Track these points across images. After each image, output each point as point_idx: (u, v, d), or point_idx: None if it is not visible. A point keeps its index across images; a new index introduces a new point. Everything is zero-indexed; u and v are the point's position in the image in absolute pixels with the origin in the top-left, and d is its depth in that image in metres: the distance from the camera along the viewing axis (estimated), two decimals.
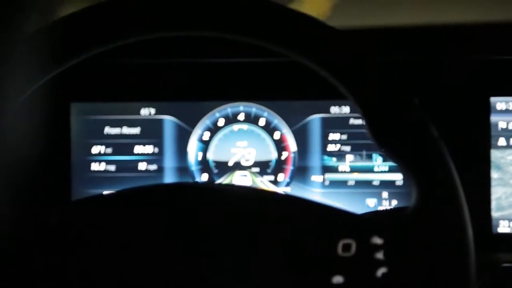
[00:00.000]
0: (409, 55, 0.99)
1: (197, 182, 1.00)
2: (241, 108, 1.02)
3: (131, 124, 1.03)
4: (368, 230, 0.52)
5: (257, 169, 1.02)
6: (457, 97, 0.97)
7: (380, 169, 1.01)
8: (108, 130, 1.03)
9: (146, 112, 1.03)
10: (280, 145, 1.02)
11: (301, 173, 1.02)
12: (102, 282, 0.53)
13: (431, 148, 0.52)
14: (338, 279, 0.52)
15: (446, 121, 0.93)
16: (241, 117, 1.03)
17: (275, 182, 1.02)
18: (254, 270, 0.52)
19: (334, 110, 1.01)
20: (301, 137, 1.02)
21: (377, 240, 0.52)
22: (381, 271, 0.51)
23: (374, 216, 0.55)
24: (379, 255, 0.51)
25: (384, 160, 1.01)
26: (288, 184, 1.02)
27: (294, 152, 1.02)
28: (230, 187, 0.74)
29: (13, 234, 0.53)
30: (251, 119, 1.03)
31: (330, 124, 1.02)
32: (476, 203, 0.61)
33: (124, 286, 0.52)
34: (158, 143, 1.03)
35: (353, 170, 1.01)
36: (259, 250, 0.53)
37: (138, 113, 1.03)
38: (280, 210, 0.54)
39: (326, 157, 1.02)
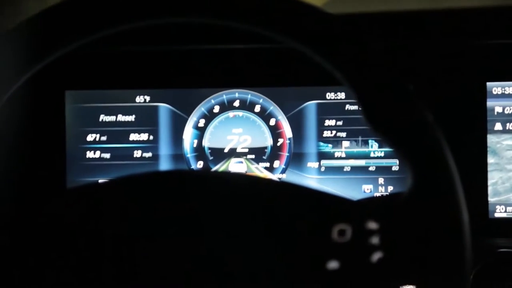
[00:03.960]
0: (406, 40, 0.99)
1: (192, 169, 1.00)
2: (237, 95, 1.02)
3: (126, 111, 1.02)
4: (364, 215, 0.52)
5: (252, 156, 1.02)
6: (454, 82, 0.97)
7: (376, 154, 1.01)
8: (103, 117, 1.02)
9: (141, 99, 1.02)
10: (275, 132, 1.02)
11: (296, 159, 1.02)
12: (98, 271, 0.52)
13: (426, 133, 0.52)
14: (333, 264, 0.51)
15: (442, 106, 0.93)
16: (236, 104, 1.02)
17: (270, 169, 1.02)
18: (248, 256, 0.52)
19: (330, 96, 1.01)
20: (297, 123, 1.02)
21: (373, 225, 0.51)
22: (376, 256, 0.51)
23: (370, 201, 0.55)
24: (375, 240, 0.51)
25: (380, 146, 1.01)
26: (283, 171, 1.02)
27: (289, 139, 1.02)
28: (225, 174, 0.74)
29: (8, 224, 0.53)
30: (247, 106, 1.02)
31: (326, 110, 1.01)
32: (472, 188, 0.61)
33: (121, 274, 0.52)
34: (153, 131, 1.03)
35: (349, 156, 1.01)
36: (253, 237, 0.53)
37: (133, 101, 1.02)
38: (275, 196, 0.54)
39: (321, 143, 1.01)
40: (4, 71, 0.54)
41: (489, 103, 0.98)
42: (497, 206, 0.98)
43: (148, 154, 1.02)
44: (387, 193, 1.01)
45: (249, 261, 0.52)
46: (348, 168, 1.01)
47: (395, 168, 1.01)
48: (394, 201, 0.53)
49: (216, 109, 1.02)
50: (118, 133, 1.03)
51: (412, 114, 0.53)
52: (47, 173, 1.01)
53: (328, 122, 1.01)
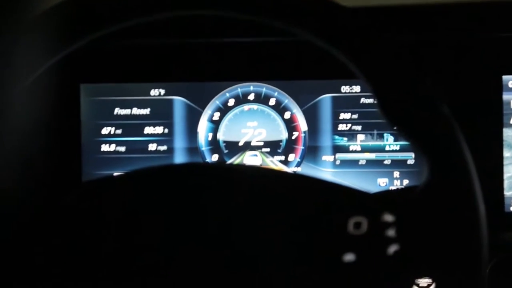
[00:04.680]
0: (421, 33, 0.98)
1: (207, 162, 1.00)
2: (251, 88, 1.02)
3: (141, 105, 1.03)
4: (379, 207, 0.52)
5: (267, 149, 1.02)
6: (470, 76, 0.97)
7: (392, 148, 1.01)
8: (118, 111, 1.03)
9: (156, 92, 1.02)
10: (290, 125, 1.02)
11: (311, 153, 1.02)
12: (113, 264, 0.53)
13: (442, 125, 0.52)
14: (349, 257, 0.51)
15: (458, 99, 0.92)
16: (251, 97, 1.02)
17: (285, 162, 1.02)
18: (264, 249, 0.52)
19: (345, 89, 1.01)
20: (312, 116, 1.02)
21: (388, 218, 0.51)
22: (392, 248, 0.51)
23: (385, 194, 0.55)
24: (391, 233, 0.51)
25: (395, 139, 1.00)
26: (298, 164, 1.02)
27: (304, 132, 1.02)
28: (240, 166, 0.74)
29: (24, 218, 0.54)
30: (261, 99, 1.02)
31: (341, 104, 1.01)
32: (488, 182, 0.61)
33: (136, 267, 0.52)
34: (168, 124, 1.03)
35: (364, 149, 1.01)
36: (269, 229, 0.53)
37: (148, 94, 1.02)
38: (290, 189, 0.54)
39: (337, 137, 1.01)
40: (31, 55, 0.54)
41: (505, 96, 0.97)
42: None
43: (163, 148, 1.03)
44: (403, 187, 1.01)
45: (264, 254, 0.52)
46: (363, 161, 1.01)
47: (411, 161, 1.01)
48: (410, 194, 0.53)
49: (231, 102, 1.02)
50: (133, 126, 1.03)
51: (428, 107, 0.53)
52: (63, 166, 1.01)
53: (343, 116, 1.01)
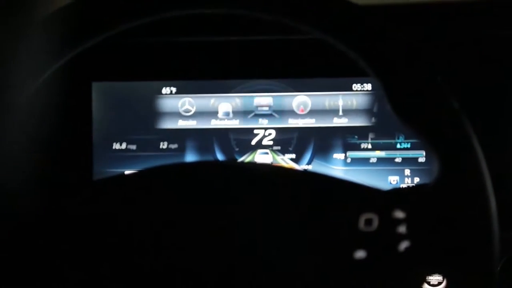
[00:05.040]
0: (432, 31, 0.98)
1: (218, 161, 1.00)
2: (262, 86, 1.02)
3: (152, 103, 1.03)
4: (390, 204, 0.52)
5: (278, 147, 1.02)
6: (482, 72, 0.97)
7: (403, 146, 1.00)
8: (129, 109, 1.03)
9: (168, 91, 1.02)
10: (301, 123, 1.02)
11: (322, 150, 1.01)
12: (125, 261, 0.53)
13: (453, 121, 0.52)
14: (360, 254, 0.51)
15: (469, 95, 0.92)
16: None
17: (296, 160, 1.02)
18: (276, 246, 0.52)
19: (356, 87, 1.01)
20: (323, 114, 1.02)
21: (399, 214, 0.51)
22: (403, 245, 0.51)
23: (396, 190, 0.55)
24: (402, 229, 0.51)
25: (406, 137, 1.00)
26: (309, 162, 1.02)
27: (315, 130, 1.02)
28: (251, 164, 0.74)
29: (36, 215, 0.54)
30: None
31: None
32: (499, 178, 0.60)
33: (148, 265, 0.53)
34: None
35: (375, 147, 1.01)
36: (280, 227, 0.53)
37: (160, 92, 1.03)
38: (301, 186, 0.54)
39: (347, 135, 1.01)
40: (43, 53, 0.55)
41: None
42: None
43: (174, 146, 1.03)
44: (414, 184, 1.00)
45: (276, 251, 0.52)
46: (374, 159, 1.01)
47: (422, 159, 1.01)
48: (421, 191, 0.53)
49: None
50: (144, 124, 1.03)
51: (439, 104, 0.53)
52: (74, 164, 1.01)
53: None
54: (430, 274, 0.53)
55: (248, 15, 0.55)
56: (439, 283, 0.89)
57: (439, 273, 0.52)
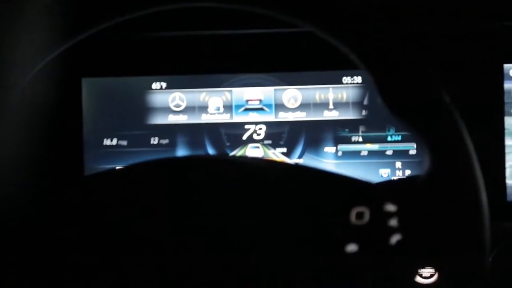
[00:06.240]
0: (422, 23, 0.98)
1: (209, 155, 1.00)
2: (253, 80, 1.02)
3: (142, 98, 1.03)
4: (381, 197, 0.52)
5: (269, 141, 1.02)
6: (471, 64, 0.97)
7: (393, 138, 1.01)
8: (119, 105, 1.02)
9: (158, 86, 1.02)
10: (292, 116, 1.02)
11: (313, 144, 1.02)
12: (116, 257, 0.53)
13: (443, 114, 0.52)
14: (352, 247, 0.51)
15: (459, 88, 0.92)
16: None
17: (287, 154, 1.02)
18: (267, 240, 0.52)
19: (346, 80, 1.01)
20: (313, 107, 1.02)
21: (391, 207, 0.51)
22: (395, 238, 0.51)
23: (387, 184, 0.55)
24: (393, 222, 0.51)
25: (397, 130, 1.00)
26: (300, 156, 1.02)
27: (306, 123, 1.02)
28: (242, 158, 0.74)
29: (28, 212, 0.54)
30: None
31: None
32: (489, 171, 0.61)
33: (139, 260, 0.53)
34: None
35: (366, 140, 1.01)
36: (271, 221, 0.53)
37: (150, 88, 1.02)
38: (292, 180, 0.54)
39: (338, 128, 1.01)
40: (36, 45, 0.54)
41: (506, 85, 0.97)
42: None
43: (165, 141, 1.03)
44: (405, 177, 1.01)
45: (267, 245, 0.52)
46: (365, 152, 1.01)
47: (413, 152, 1.01)
48: (412, 183, 0.53)
49: None
50: (135, 120, 1.03)
51: (429, 96, 0.53)
52: (65, 161, 1.01)
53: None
54: (422, 267, 0.53)
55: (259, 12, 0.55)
56: (431, 275, 0.89)
57: (431, 266, 0.53)
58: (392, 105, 0.53)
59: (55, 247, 0.53)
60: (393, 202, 0.51)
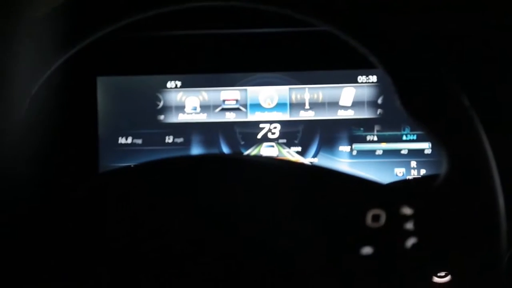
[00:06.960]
0: (440, 25, 0.98)
1: (224, 154, 1.00)
2: (267, 79, 1.02)
3: (157, 97, 1.03)
4: (397, 200, 0.52)
5: (284, 140, 1.02)
6: (488, 66, 0.96)
7: (409, 138, 1.00)
8: (134, 103, 1.03)
9: (173, 84, 1.02)
10: (306, 115, 1.02)
11: (328, 143, 1.01)
12: (129, 252, 0.53)
13: (462, 117, 0.52)
14: (367, 250, 0.51)
15: (477, 90, 0.92)
16: None
17: (302, 153, 1.02)
18: (281, 241, 0.52)
19: (361, 79, 1.01)
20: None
21: (407, 210, 0.51)
22: (411, 241, 0.51)
23: (403, 185, 0.55)
24: (409, 226, 0.51)
25: (412, 129, 1.00)
26: (315, 155, 1.02)
27: (321, 122, 1.01)
28: (257, 158, 0.74)
29: (42, 209, 0.54)
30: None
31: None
32: (507, 172, 0.60)
33: (151, 256, 0.53)
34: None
35: (381, 139, 1.01)
36: (286, 222, 0.53)
37: (165, 86, 1.02)
38: (308, 181, 0.54)
39: (353, 127, 1.01)
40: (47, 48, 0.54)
41: None
42: None
43: (179, 140, 1.03)
44: (420, 176, 1.00)
45: (282, 246, 0.52)
46: (380, 151, 1.01)
47: (428, 151, 1.00)
48: (428, 186, 0.52)
49: None
50: (150, 118, 1.03)
51: (447, 98, 0.52)
52: (80, 159, 1.01)
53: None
54: (437, 271, 0.52)
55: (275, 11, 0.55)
56: (446, 274, 0.89)
57: (446, 270, 0.52)
58: (410, 108, 0.53)
59: (60, 246, 0.53)
60: (410, 205, 0.51)
